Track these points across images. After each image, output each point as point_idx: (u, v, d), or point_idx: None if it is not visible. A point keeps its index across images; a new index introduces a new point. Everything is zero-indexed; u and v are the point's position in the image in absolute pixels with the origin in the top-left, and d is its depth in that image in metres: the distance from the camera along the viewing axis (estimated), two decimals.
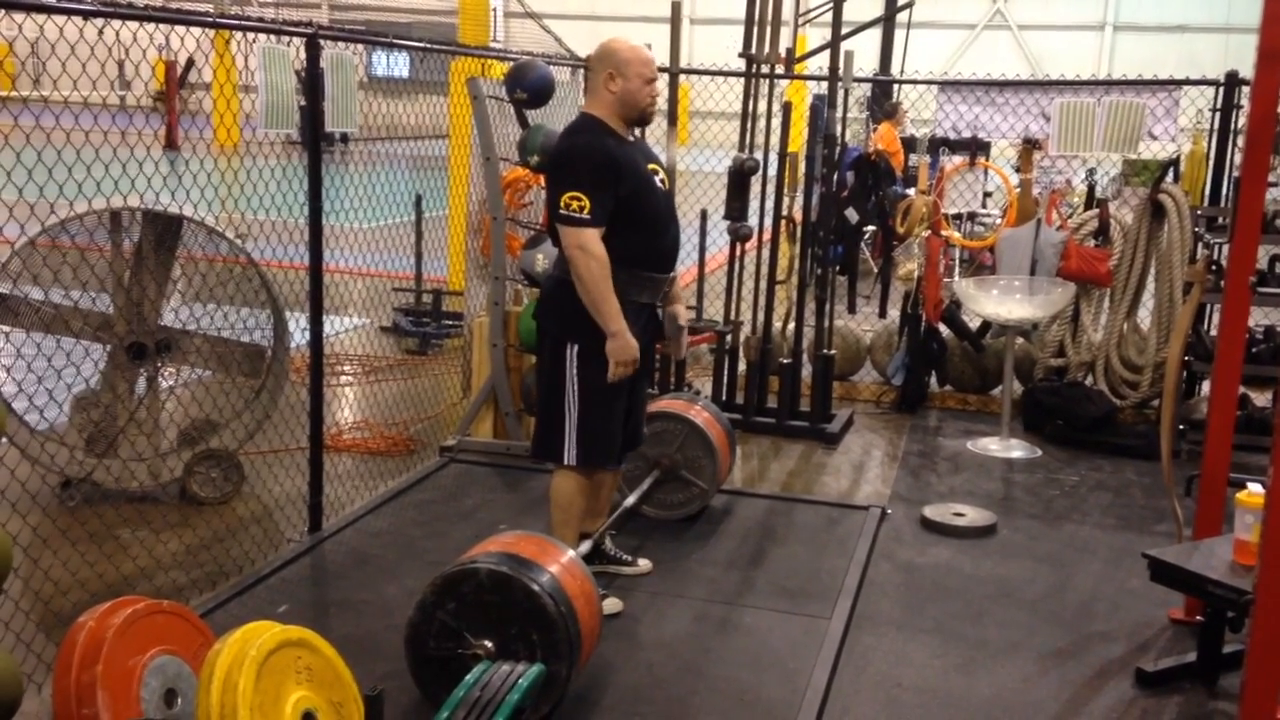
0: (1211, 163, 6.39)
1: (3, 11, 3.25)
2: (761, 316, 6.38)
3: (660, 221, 3.83)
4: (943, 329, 6.87)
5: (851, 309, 7.45)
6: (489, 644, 3.12)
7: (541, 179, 5.87)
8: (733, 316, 6.37)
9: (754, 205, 6.19)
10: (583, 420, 3.81)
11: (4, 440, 4.06)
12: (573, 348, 3.78)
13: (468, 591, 3.14)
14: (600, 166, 3.67)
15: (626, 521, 4.59)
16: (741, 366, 6.48)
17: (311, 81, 4.35)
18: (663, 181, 3.92)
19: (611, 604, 3.95)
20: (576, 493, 3.91)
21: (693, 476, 4.80)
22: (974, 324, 6.97)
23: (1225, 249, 4.38)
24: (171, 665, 2.80)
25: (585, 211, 3.62)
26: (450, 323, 7.80)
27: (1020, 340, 6.74)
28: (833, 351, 6.48)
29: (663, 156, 6.01)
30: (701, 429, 4.76)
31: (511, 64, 5.56)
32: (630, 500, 4.57)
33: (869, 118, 11.49)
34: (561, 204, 3.63)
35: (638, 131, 4.02)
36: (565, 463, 3.87)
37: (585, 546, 4.09)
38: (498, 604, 3.12)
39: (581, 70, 6.89)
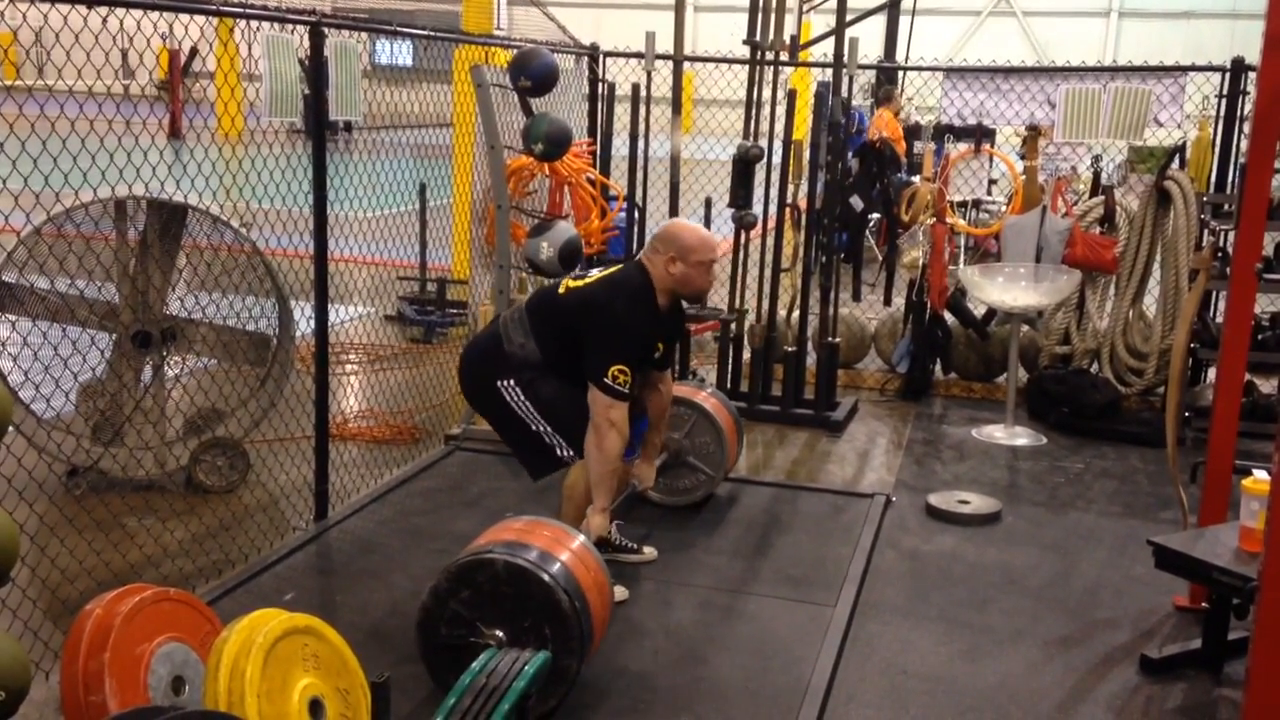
0: (1217, 149, 6.36)
1: (7, 1, 3.25)
2: (766, 304, 6.37)
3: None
4: (948, 317, 6.86)
5: (856, 297, 7.43)
6: (500, 634, 3.12)
7: (546, 167, 5.88)
8: (737, 304, 6.37)
9: (758, 193, 6.18)
10: (555, 424, 3.92)
11: (11, 429, 4.07)
12: (507, 381, 3.92)
13: (482, 581, 3.14)
14: (638, 343, 3.87)
15: (631, 509, 4.59)
16: (746, 354, 6.48)
17: (315, 70, 4.35)
18: (658, 351, 4.07)
19: (618, 592, 3.95)
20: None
21: (700, 463, 4.80)
22: (979, 311, 6.95)
23: (1231, 236, 4.37)
24: (179, 652, 2.81)
25: (627, 386, 3.77)
26: (455, 311, 7.80)
27: (1025, 328, 6.73)
28: (837, 339, 6.48)
29: (667, 145, 6.03)
30: (711, 415, 4.76)
31: (515, 52, 5.55)
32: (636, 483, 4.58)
33: (873, 104, 11.45)
34: (609, 375, 3.74)
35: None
36: (569, 461, 3.97)
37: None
38: (512, 596, 3.13)
39: (585, 58, 6.88)
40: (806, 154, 6.32)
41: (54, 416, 4.69)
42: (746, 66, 6.22)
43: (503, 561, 3.14)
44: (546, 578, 3.11)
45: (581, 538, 3.46)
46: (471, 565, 3.16)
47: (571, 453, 3.94)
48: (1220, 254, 5.67)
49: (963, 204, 9.68)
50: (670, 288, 3.91)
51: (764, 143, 6.05)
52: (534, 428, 3.94)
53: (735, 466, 5.18)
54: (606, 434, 3.76)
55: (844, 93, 6.18)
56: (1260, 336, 5.80)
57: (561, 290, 3.98)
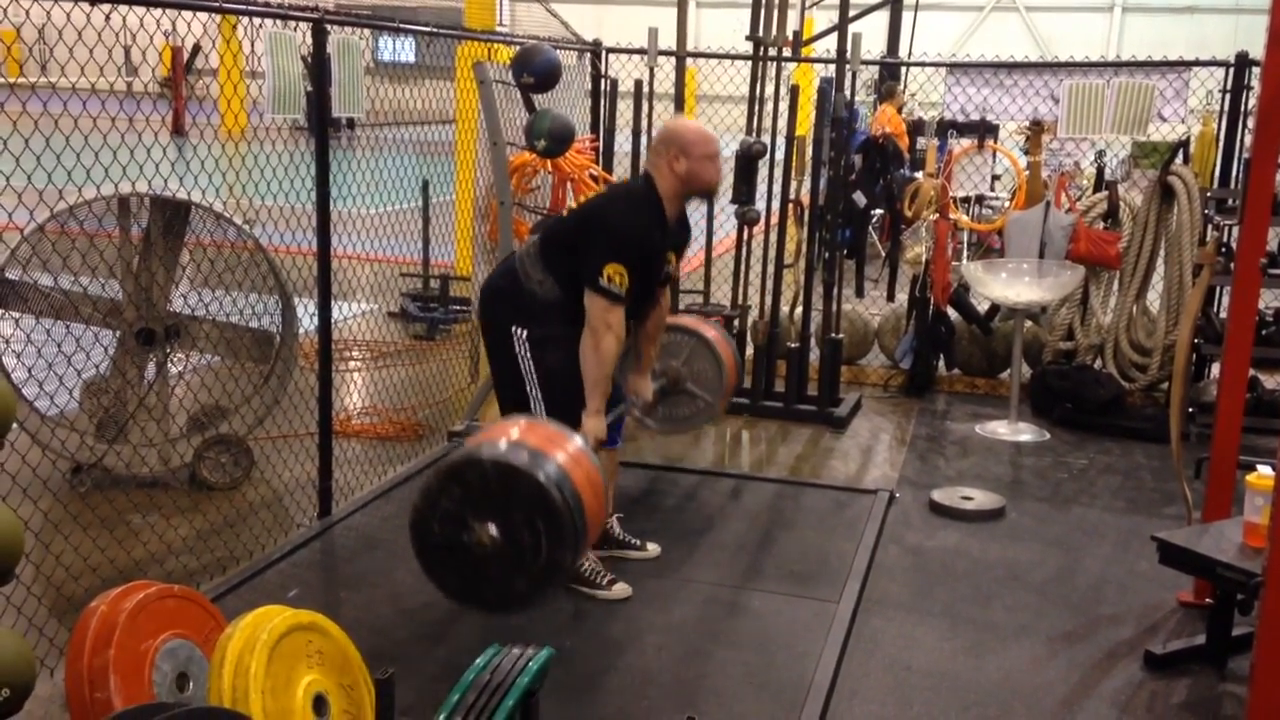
0: (1221, 144, 6.35)
1: None
2: (769, 300, 6.37)
3: (635, 300, 3.89)
4: (951, 312, 6.85)
5: (859, 293, 7.43)
6: (493, 530, 3.08)
7: (548, 163, 5.87)
8: (740, 300, 6.37)
9: (761, 189, 6.18)
10: (548, 396, 3.87)
11: (15, 426, 4.07)
12: (520, 331, 3.85)
13: (472, 480, 3.10)
14: (638, 248, 3.79)
15: (635, 505, 4.60)
16: (749, 350, 6.48)
17: (318, 67, 4.34)
18: (668, 272, 4.02)
19: (620, 589, 3.96)
20: None
21: (699, 390, 4.77)
22: (982, 307, 6.95)
23: (1235, 231, 4.36)
24: (183, 649, 2.81)
25: (623, 289, 3.71)
26: (457, 308, 7.80)
27: (1029, 323, 6.73)
28: (840, 335, 6.48)
29: None
30: (709, 342, 4.73)
31: (518, 48, 5.55)
32: (636, 410, 4.57)
33: (876, 100, 11.45)
34: (604, 275, 3.69)
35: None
36: None
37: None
38: (502, 491, 3.08)
39: (587, 54, 6.88)
40: (809, 150, 6.32)
41: (58, 414, 4.69)
42: (749, 62, 6.21)
43: (491, 458, 3.11)
44: (536, 473, 3.07)
45: (577, 439, 3.40)
46: (460, 463, 3.13)
47: None
48: (1224, 249, 5.66)
49: (966, 199, 9.67)
50: (678, 190, 3.85)
51: (767, 138, 6.04)
52: (526, 389, 3.89)
53: (737, 463, 5.18)
54: (603, 337, 3.71)
55: (846, 89, 6.17)
56: (1264, 332, 5.79)
57: (565, 213, 3.97)
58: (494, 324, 3.97)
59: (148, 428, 4.82)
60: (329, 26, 4.35)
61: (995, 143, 9.18)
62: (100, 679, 2.62)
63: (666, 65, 6.20)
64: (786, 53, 6.30)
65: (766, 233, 6.43)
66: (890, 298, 7.36)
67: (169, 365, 4.93)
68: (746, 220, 6.04)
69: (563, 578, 3.14)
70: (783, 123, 6.28)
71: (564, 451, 3.23)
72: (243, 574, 4.02)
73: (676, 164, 3.81)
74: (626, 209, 3.84)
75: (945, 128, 8.02)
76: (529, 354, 3.85)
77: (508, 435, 3.25)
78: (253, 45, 4.24)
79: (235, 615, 2.74)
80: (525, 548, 3.07)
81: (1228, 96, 6.24)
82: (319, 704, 2.71)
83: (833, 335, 6.35)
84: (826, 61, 6.77)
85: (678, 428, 4.84)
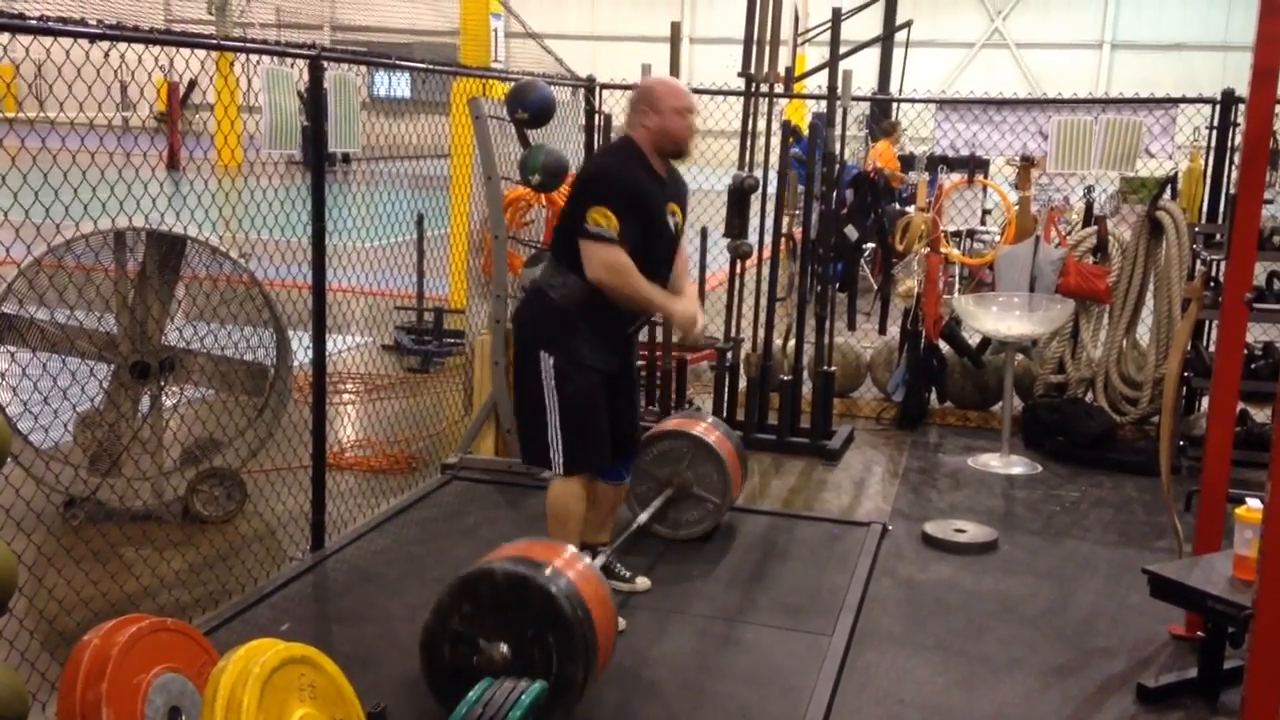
0: (1209, 180, 6.42)
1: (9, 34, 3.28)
2: (762, 333, 6.40)
3: (654, 262, 3.90)
4: (943, 346, 6.89)
5: (851, 326, 7.47)
6: (504, 647, 3.12)
7: (543, 198, 5.92)
8: (733, 334, 6.40)
9: (754, 223, 6.22)
10: (565, 428, 3.87)
11: (9, 460, 4.07)
12: (548, 359, 3.86)
13: (484, 593, 3.14)
14: (627, 192, 3.77)
15: (637, 542, 4.61)
16: (742, 383, 6.50)
17: (315, 102, 4.38)
18: (676, 224, 4.00)
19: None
20: (571, 500, 3.93)
21: (705, 493, 4.81)
22: (974, 341, 6.98)
23: (1223, 265, 4.40)
24: (176, 683, 2.81)
25: (612, 229, 3.70)
26: (452, 341, 7.83)
27: (1020, 357, 6.76)
28: (833, 368, 6.50)
29: None
30: (709, 444, 4.77)
31: (513, 84, 5.60)
32: (642, 518, 4.59)
33: (868, 136, 11.55)
34: (589, 219, 3.69)
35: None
36: (555, 469, 3.94)
37: (596, 560, 4.12)
38: (513, 605, 3.12)
39: (581, 90, 6.94)
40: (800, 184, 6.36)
41: (52, 447, 4.70)
42: (742, 98, 6.27)
43: (502, 571, 3.16)
44: (548, 585, 3.12)
45: (586, 559, 3.46)
46: (472, 577, 3.18)
47: (561, 463, 3.89)
48: (1212, 283, 5.70)
49: (957, 234, 9.74)
50: (654, 145, 3.88)
51: (759, 173, 6.09)
52: (547, 417, 3.88)
53: (741, 492, 5.18)
54: (610, 280, 3.71)
55: (838, 125, 6.23)
56: (1253, 365, 5.83)
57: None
58: (525, 342, 3.97)
59: (141, 461, 4.82)
60: (326, 63, 4.39)
61: (985, 178, 9.26)
62: (93, 713, 2.62)
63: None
64: (778, 89, 6.36)
65: (759, 266, 6.47)
66: (882, 331, 7.40)
67: (163, 399, 4.93)
68: (739, 254, 6.08)
69: (573, 696, 3.15)
70: (774, 158, 6.33)
71: (573, 568, 3.27)
72: (235, 607, 4.01)
73: (647, 119, 3.85)
74: (604, 158, 3.91)
75: (935, 163, 8.09)
76: (553, 383, 3.86)
77: (515, 552, 3.29)
78: (249, 81, 4.27)
79: (228, 649, 2.73)
80: (536, 665, 3.09)
81: (1214, 133, 6.31)
82: None
83: (825, 368, 6.38)
84: (818, 98, 6.84)
85: (689, 532, 4.86)
